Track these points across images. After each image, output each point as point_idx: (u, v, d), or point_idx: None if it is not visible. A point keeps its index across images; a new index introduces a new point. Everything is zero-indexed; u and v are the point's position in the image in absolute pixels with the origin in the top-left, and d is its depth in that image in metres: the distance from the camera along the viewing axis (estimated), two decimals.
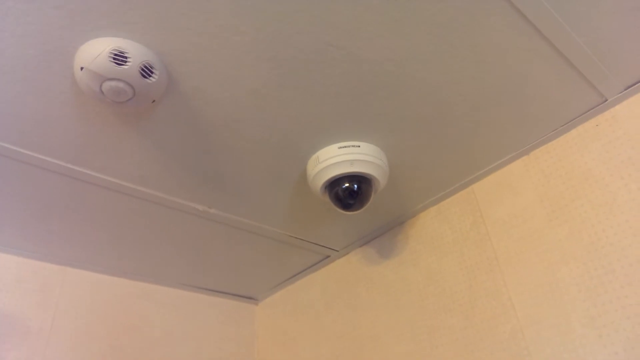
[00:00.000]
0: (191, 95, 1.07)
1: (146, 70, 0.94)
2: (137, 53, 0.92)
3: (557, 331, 1.14)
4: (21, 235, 1.47)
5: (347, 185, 1.23)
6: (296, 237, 1.66)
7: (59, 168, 1.22)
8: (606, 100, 1.20)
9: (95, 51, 0.90)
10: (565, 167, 1.27)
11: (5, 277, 1.50)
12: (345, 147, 1.22)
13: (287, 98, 1.11)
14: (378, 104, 1.15)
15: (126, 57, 0.91)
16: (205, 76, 1.03)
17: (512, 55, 1.05)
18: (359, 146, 1.22)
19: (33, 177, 1.25)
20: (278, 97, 1.10)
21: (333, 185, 1.25)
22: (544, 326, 1.17)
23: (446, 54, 1.03)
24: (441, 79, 1.09)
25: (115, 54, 0.90)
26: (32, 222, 1.43)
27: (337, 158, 1.21)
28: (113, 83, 0.93)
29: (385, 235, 1.64)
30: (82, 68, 0.92)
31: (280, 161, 1.30)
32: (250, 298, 2.05)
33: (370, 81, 1.08)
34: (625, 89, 1.18)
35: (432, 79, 1.09)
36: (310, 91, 1.09)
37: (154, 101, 1.02)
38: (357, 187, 1.23)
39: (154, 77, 0.95)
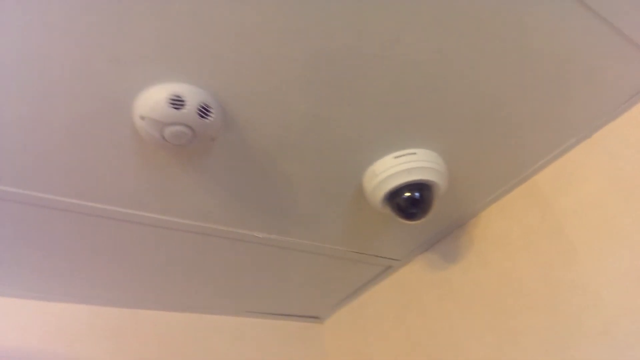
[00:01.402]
0: (245, 127, 1.08)
1: (203, 110, 0.95)
2: (192, 95, 0.93)
3: None
4: (89, 285, 1.51)
5: (407, 194, 1.21)
6: (355, 252, 1.64)
7: (120, 215, 1.25)
8: None
9: (153, 99, 0.92)
10: (633, 144, 1.20)
11: (78, 327, 1.53)
12: (401, 156, 1.20)
13: (338, 116, 1.10)
14: (429, 109, 1.12)
15: (183, 101, 0.92)
16: (257, 106, 1.03)
17: (562, 37, 1.00)
18: (415, 153, 1.20)
19: (97, 227, 1.28)
20: (329, 117, 1.09)
21: (393, 196, 1.22)
22: None
23: (495, 49, 1.00)
24: (491, 74, 1.06)
25: (173, 99, 0.92)
26: (99, 271, 1.46)
27: (394, 168, 1.19)
28: (174, 128, 0.94)
29: (447, 239, 1.60)
30: (142, 117, 0.94)
31: (334, 179, 1.29)
32: (314, 317, 2.04)
33: (419, 86, 1.06)
34: None
35: (482, 76, 1.06)
36: (360, 105, 1.08)
37: (212, 139, 1.03)
38: (419, 195, 1.21)
39: (211, 116, 0.96)
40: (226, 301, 1.78)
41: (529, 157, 1.34)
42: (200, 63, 0.92)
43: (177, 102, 0.92)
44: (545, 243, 1.33)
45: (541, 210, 1.36)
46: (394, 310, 1.73)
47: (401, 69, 1.01)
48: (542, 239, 1.34)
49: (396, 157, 1.20)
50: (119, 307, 1.61)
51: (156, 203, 1.23)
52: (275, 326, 1.94)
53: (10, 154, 1.02)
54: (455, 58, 1.01)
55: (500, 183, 1.41)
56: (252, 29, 0.88)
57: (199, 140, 0.99)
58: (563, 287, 1.26)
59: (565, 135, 1.28)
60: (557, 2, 0.93)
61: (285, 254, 1.57)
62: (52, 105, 0.94)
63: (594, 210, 1.24)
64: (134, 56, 0.88)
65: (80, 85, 0.91)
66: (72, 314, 1.52)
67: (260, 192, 1.28)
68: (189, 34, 0.87)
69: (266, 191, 1.28)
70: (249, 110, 1.04)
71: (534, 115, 1.20)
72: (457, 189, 1.40)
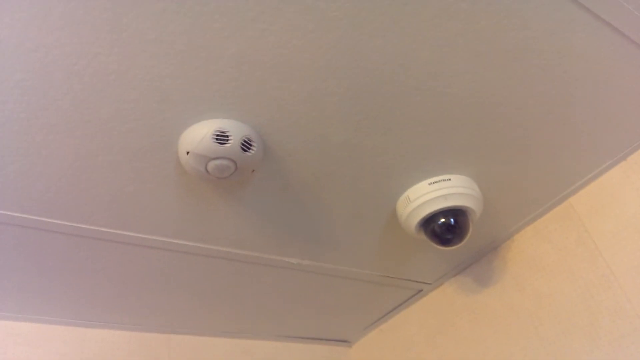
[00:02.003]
0: (283, 158, 1.10)
1: (246, 144, 0.98)
2: (236, 130, 0.96)
3: None
4: (127, 311, 1.54)
5: (443, 220, 1.21)
6: (386, 276, 1.64)
7: (159, 244, 1.28)
8: None
9: (199, 135, 0.95)
10: None
11: (116, 353, 1.55)
12: (435, 182, 1.21)
13: (373, 145, 1.12)
14: (464, 136, 1.14)
15: (228, 136, 0.95)
16: (296, 138, 1.06)
17: (598, 62, 1.01)
18: (450, 179, 1.21)
19: (137, 256, 1.31)
20: (365, 145, 1.11)
21: (428, 222, 1.23)
22: None
23: (531, 77, 1.01)
24: (528, 102, 1.07)
25: (218, 135, 0.95)
26: (136, 297, 1.49)
27: (429, 195, 1.20)
28: (218, 162, 0.97)
29: (480, 262, 1.59)
30: (187, 152, 0.97)
31: (368, 205, 1.30)
32: (343, 341, 2.03)
33: (455, 115, 1.08)
34: None
35: (518, 103, 1.07)
36: (396, 134, 1.10)
37: (253, 171, 1.05)
38: (454, 220, 1.21)
39: (253, 150, 0.99)
40: (257, 325, 1.78)
41: (564, 180, 1.33)
42: (244, 100, 0.95)
43: (221, 137, 0.95)
44: (582, 267, 1.32)
45: (577, 233, 1.35)
46: (425, 334, 1.72)
47: (439, 100, 1.03)
48: (579, 262, 1.33)
49: (431, 183, 1.21)
50: (155, 333, 1.63)
51: (195, 231, 1.26)
52: (304, 350, 1.94)
53: (60, 188, 1.06)
54: (495, 89, 1.02)
55: (535, 206, 1.41)
56: (296, 67, 0.91)
57: (240, 172, 1.02)
58: (603, 312, 1.24)
59: (601, 158, 1.28)
60: (593, 31, 0.94)
61: (316, 278, 1.58)
62: (101, 142, 0.98)
63: (632, 234, 1.23)
64: (183, 96, 0.92)
65: (130, 124, 0.95)
66: (110, 339, 1.55)
67: (296, 220, 1.30)
68: (234, 74, 0.90)
69: (301, 218, 1.30)
70: (287, 141, 1.06)
71: (569, 139, 1.20)
72: (491, 212, 1.40)
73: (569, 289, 1.34)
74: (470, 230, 1.24)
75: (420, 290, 1.74)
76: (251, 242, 1.34)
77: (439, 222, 1.21)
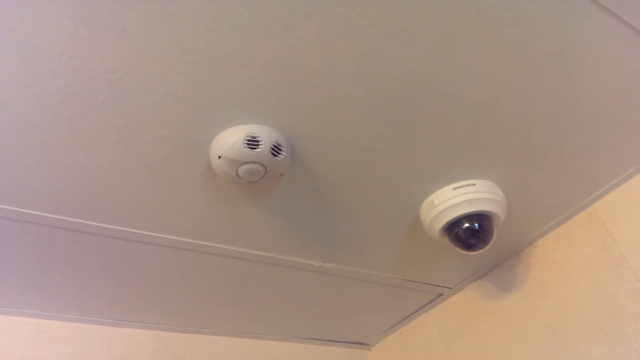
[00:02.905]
0: (310, 163, 1.12)
1: (276, 149, 1.00)
2: (266, 135, 0.99)
3: None
4: (154, 311, 1.57)
5: (467, 225, 1.22)
6: (407, 279, 1.64)
7: (186, 245, 1.31)
8: None
9: (231, 140, 0.98)
10: None
11: (141, 351, 1.59)
12: (460, 187, 1.22)
13: (398, 150, 1.13)
14: (489, 141, 1.14)
15: (258, 141, 0.98)
16: (323, 143, 1.08)
17: (625, 69, 1.01)
18: (474, 184, 1.21)
19: (165, 257, 1.34)
20: (391, 150, 1.13)
21: (452, 227, 1.24)
22: None
23: (558, 82, 1.02)
24: (555, 107, 1.07)
25: (249, 140, 0.97)
26: (161, 297, 1.52)
27: (454, 199, 1.21)
28: (248, 166, 0.99)
29: (502, 267, 1.59)
30: (219, 157, 0.99)
31: (391, 210, 1.31)
32: (362, 344, 2.04)
33: (481, 121, 1.09)
34: None
35: (545, 108, 1.08)
36: (422, 140, 1.11)
37: (281, 175, 1.08)
38: (478, 225, 1.22)
39: (282, 154, 1.01)
40: (278, 327, 1.80)
41: (588, 185, 1.33)
42: (275, 106, 0.97)
43: (252, 142, 0.97)
44: (607, 273, 1.31)
45: (602, 239, 1.35)
46: (445, 338, 1.72)
47: (466, 106, 1.04)
48: (603, 268, 1.32)
49: (455, 188, 1.22)
50: (179, 332, 1.66)
51: (221, 234, 1.28)
52: (324, 351, 1.95)
53: (93, 191, 1.09)
54: (522, 95, 1.03)
55: (559, 211, 1.41)
56: (325, 74, 0.93)
57: (269, 176, 1.04)
58: (629, 319, 1.24)
59: (626, 164, 1.28)
60: (622, 37, 0.94)
61: (337, 281, 1.59)
62: (136, 147, 1.01)
63: None
64: (215, 102, 0.94)
65: (164, 130, 0.98)
66: (135, 338, 1.58)
67: (320, 223, 1.31)
68: (267, 80, 0.92)
69: (325, 222, 1.31)
70: (314, 146, 1.08)
71: (594, 145, 1.20)
72: (514, 217, 1.40)
73: (593, 295, 1.33)
74: (495, 235, 1.24)
75: (441, 294, 1.75)
76: (275, 244, 1.36)
77: (463, 227, 1.22)
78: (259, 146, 0.98)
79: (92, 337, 1.52)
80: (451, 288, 1.71)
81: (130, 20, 0.80)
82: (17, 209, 1.11)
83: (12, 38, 0.80)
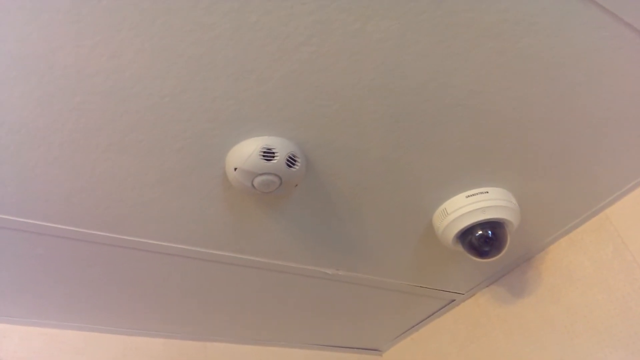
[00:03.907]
0: (324, 173, 1.13)
1: (291, 160, 1.01)
2: (282, 147, 0.99)
3: None
4: (167, 320, 1.58)
5: (481, 232, 1.22)
6: (419, 286, 1.65)
7: (200, 255, 1.31)
8: None
9: (247, 152, 0.98)
10: None
11: (157, 359, 1.60)
12: (473, 195, 1.22)
13: (412, 159, 1.14)
14: (502, 150, 1.15)
15: (274, 153, 0.98)
16: (336, 153, 1.09)
17: (636, 77, 1.02)
18: (488, 192, 1.22)
19: (178, 267, 1.34)
20: (404, 160, 1.13)
21: (465, 234, 1.24)
22: None
23: (573, 93, 1.02)
24: (567, 114, 1.08)
25: (265, 152, 0.98)
26: (175, 306, 1.53)
27: (467, 207, 1.21)
28: (264, 177, 1.00)
29: (513, 272, 1.59)
30: (235, 169, 1.00)
31: (404, 218, 1.32)
32: (374, 350, 2.05)
33: (494, 131, 1.09)
34: None
35: (557, 116, 1.08)
36: (435, 149, 1.12)
37: (296, 185, 1.08)
38: (492, 233, 1.22)
39: (297, 165, 1.02)
40: (291, 334, 1.81)
41: (600, 191, 1.33)
42: (290, 118, 0.98)
43: (268, 154, 0.98)
44: (620, 279, 1.31)
45: (614, 245, 1.35)
46: (457, 344, 1.72)
47: (480, 116, 1.04)
48: (616, 274, 1.32)
49: (468, 196, 1.22)
50: (192, 340, 1.67)
51: (235, 243, 1.29)
52: (336, 358, 1.96)
53: (110, 204, 1.10)
54: (532, 104, 1.03)
55: (571, 217, 1.41)
56: (340, 87, 0.94)
57: (284, 187, 1.05)
58: None
59: (638, 170, 1.28)
60: (629, 43, 0.95)
61: (349, 288, 1.60)
62: (152, 160, 1.02)
63: None
64: (231, 115, 0.95)
65: (181, 143, 0.99)
66: (150, 347, 1.59)
67: (333, 232, 1.32)
68: (282, 94, 0.93)
69: (339, 231, 1.32)
70: (328, 157, 1.09)
71: (606, 151, 1.20)
72: (526, 223, 1.41)
73: (605, 301, 1.33)
74: (508, 242, 1.25)
75: (453, 300, 1.75)
76: (288, 253, 1.37)
77: (477, 235, 1.22)
78: (275, 158, 0.99)
79: (107, 347, 1.53)
80: (463, 294, 1.71)
81: (149, 38, 0.81)
82: (34, 222, 1.12)
83: (32, 58, 0.81)
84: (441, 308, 1.79)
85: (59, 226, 1.14)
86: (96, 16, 0.77)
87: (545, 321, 1.46)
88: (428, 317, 1.84)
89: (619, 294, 1.31)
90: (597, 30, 0.90)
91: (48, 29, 0.78)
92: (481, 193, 1.22)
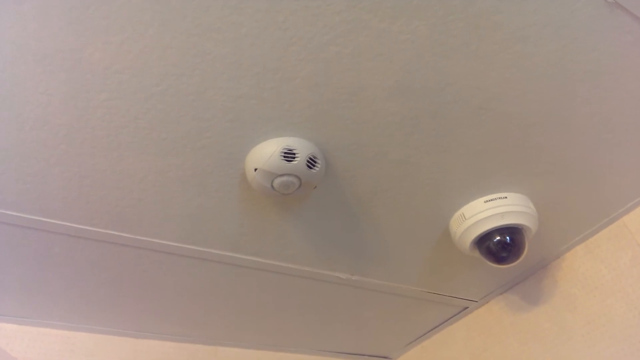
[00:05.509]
0: (342, 175, 1.12)
1: (311, 161, 1.00)
2: (302, 148, 0.99)
3: None
4: (179, 323, 1.57)
5: (499, 238, 1.21)
6: (431, 292, 1.63)
7: (216, 257, 1.30)
8: None
9: (267, 152, 0.98)
10: None
11: None
12: (491, 200, 1.21)
13: (430, 163, 1.13)
14: (521, 154, 1.14)
15: (295, 154, 0.98)
16: (355, 155, 1.08)
17: None
18: (506, 197, 1.21)
19: (189, 268, 1.34)
20: (423, 163, 1.13)
21: (483, 240, 1.23)
22: None
23: (595, 98, 1.02)
24: (587, 121, 1.07)
25: (286, 153, 0.98)
26: (186, 309, 1.52)
27: (485, 212, 1.20)
28: (284, 178, 1.00)
29: (529, 280, 1.58)
30: (255, 169, 1.00)
31: (420, 222, 1.31)
32: (384, 357, 2.02)
33: (514, 135, 1.09)
34: None
35: (578, 123, 1.08)
36: (455, 153, 1.11)
37: (315, 187, 1.08)
38: (510, 238, 1.21)
39: (317, 167, 1.02)
40: (301, 339, 1.79)
41: (618, 198, 1.32)
42: (312, 119, 0.98)
43: (289, 155, 0.98)
44: (638, 287, 1.30)
45: (632, 253, 1.33)
46: (470, 352, 1.70)
47: (500, 119, 1.04)
48: (634, 282, 1.31)
49: (487, 201, 1.21)
50: (203, 344, 1.66)
51: (252, 245, 1.29)
52: None
53: (128, 202, 1.10)
54: (555, 109, 1.03)
55: (588, 224, 1.40)
56: (364, 88, 0.94)
57: (303, 188, 1.04)
58: None
59: None
60: None
61: (362, 293, 1.59)
62: (173, 159, 1.02)
63: None
64: (254, 115, 0.95)
65: (202, 142, 0.99)
66: (160, 349, 1.58)
67: (349, 235, 1.31)
68: (305, 94, 0.93)
69: (354, 234, 1.31)
70: (347, 158, 1.09)
71: (624, 158, 1.19)
72: (542, 230, 1.39)
73: (623, 310, 1.32)
74: (527, 248, 1.24)
75: (466, 308, 1.73)
76: (303, 256, 1.36)
77: (495, 240, 1.21)
78: (295, 159, 0.98)
79: (118, 349, 1.52)
80: (477, 301, 1.70)
81: (177, 35, 0.82)
82: (50, 220, 1.12)
83: (61, 53, 0.82)
84: (454, 315, 1.77)
85: (76, 225, 1.14)
86: (126, 12, 0.78)
87: (562, 330, 1.44)
88: (440, 324, 1.82)
89: (638, 303, 1.29)
90: (624, 35, 0.90)
91: (77, 25, 0.79)
92: (500, 198, 1.21)
